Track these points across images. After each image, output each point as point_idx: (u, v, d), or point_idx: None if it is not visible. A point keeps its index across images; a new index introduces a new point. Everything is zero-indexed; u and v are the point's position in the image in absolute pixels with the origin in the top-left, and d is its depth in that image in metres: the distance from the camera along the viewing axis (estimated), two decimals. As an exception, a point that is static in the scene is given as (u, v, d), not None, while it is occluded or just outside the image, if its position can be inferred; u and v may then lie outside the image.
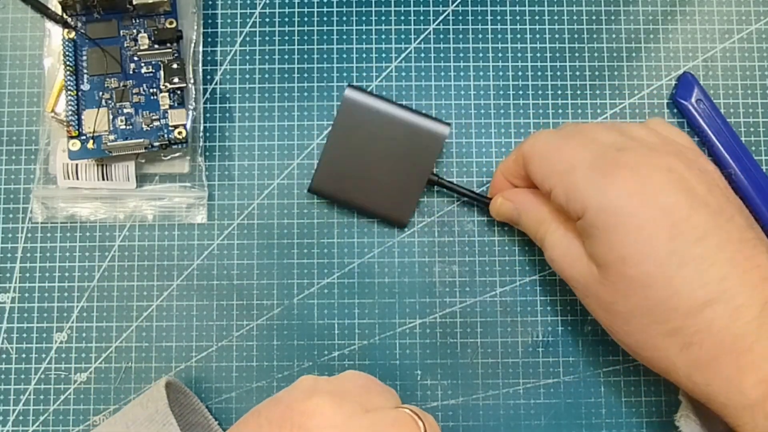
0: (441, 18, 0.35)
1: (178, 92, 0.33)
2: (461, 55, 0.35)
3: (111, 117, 0.32)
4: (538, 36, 0.35)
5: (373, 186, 0.32)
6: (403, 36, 0.35)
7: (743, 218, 0.26)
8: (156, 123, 0.32)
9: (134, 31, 0.33)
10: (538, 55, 0.35)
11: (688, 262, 0.24)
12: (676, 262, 0.24)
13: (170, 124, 0.32)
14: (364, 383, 0.26)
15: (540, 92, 0.35)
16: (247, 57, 0.35)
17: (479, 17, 0.35)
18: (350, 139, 0.32)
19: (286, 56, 0.35)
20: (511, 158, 0.31)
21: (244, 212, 0.34)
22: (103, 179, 0.33)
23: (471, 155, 0.34)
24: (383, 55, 0.35)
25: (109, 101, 0.32)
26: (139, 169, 0.33)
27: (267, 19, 0.35)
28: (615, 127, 0.28)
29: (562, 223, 0.29)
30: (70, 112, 0.32)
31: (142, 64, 0.33)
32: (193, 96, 0.33)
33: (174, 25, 0.33)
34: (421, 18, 0.35)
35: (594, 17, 0.35)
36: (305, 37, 0.35)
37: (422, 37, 0.35)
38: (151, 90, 0.32)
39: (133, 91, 0.32)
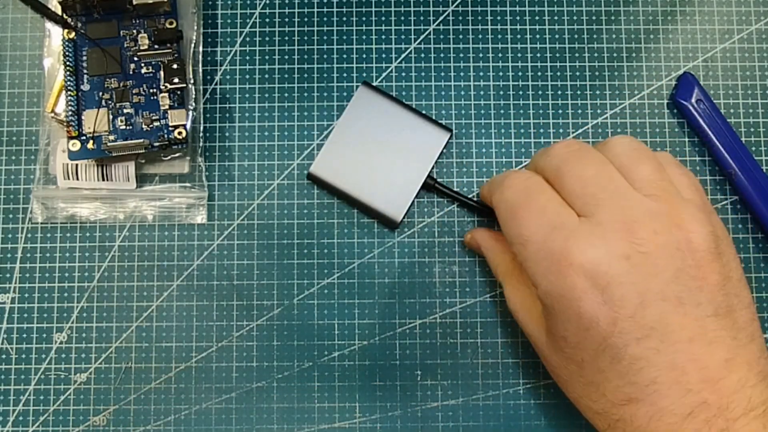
0: (441, 18, 0.35)
1: (178, 92, 0.33)
2: (461, 55, 0.35)
3: (111, 117, 0.32)
4: (538, 36, 0.35)
5: (370, 181, 0.33)
6: (403, 36, 0.35)
7: (716, 301, 0.24)
8: (156, 123, 0.32)
9: (134, 31, 0.33)
10: (538, 55, 0.35)
11: (621, 359, 0.24)
12: (609, 356, 0.24)
13: (170, 124, 0.32)
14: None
15: (540, 92, 0.35)
16: (247, 57, 0.35)
17: (479, 17, 0.35)
18: (356, 133, 0.33)
19: (286, 56, 0.35)
20: (486, 188, 0.31)
21: (244, 212, 0.34)
22: (103, 179, 0.33)
23: (471, 155, 0.34)
24: (383, 55, 0.35)
25: (109, 101, 0.32)
26: (139, 170, 0.33)
27: (267, 19, 0.35)
28: (591, 177, 0.25)
29: (520, 277, 0.29)
30: (70, 113, 0.32)
31: (142, 65, 0.33)
32: (193, 96, 0.33)
33: (174, 25, 0.33)
34: (421, 18, 0.35)
35: (594, 17, 0.35)
36: (305, 37, 0.35)
37: (422, 37, 0.35)
38: (151, 90, 0.32)
39: (133, 92, 0.32)
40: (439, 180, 0.34)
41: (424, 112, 0.34)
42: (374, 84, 0.34)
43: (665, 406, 0.23)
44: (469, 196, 0.34)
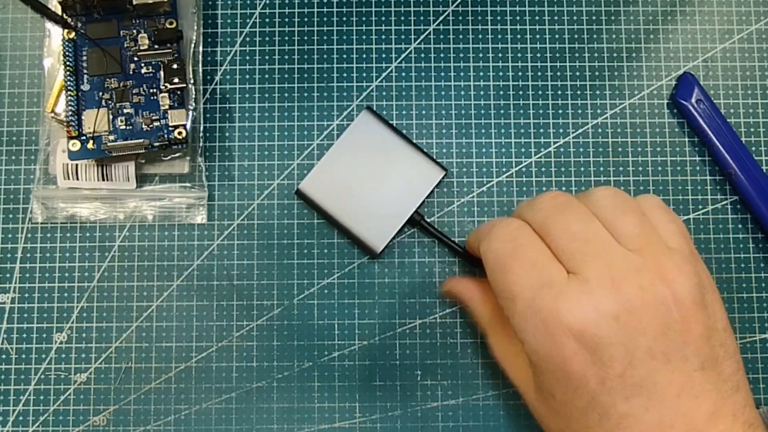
0: (441, 18, 0.35)
1: (178, 92, 0.33)
2: (461, 55, 0.35)
3: (111, 117, 0.32)
4: (538, 36, 0.35)
5: (356, 207, 0.33)
6: (403, 36, 0.35)
7: (703, 354, 0.24)
8: (156, 123, 0.32)
9: (134, 31, 0.33)
10: (538, 55, 0.35)
11: (610, 417, 0.24)
12: (598, 414, 0.24)
13: (170, 124, 0.32)
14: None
15: (540, 92, 0.35)
16: (247, 57, 0.35)
17: (479, 17, 0.35)
18: (351, 157, 0.33)
19: (286, 56, 0.35)
20: (473, 236, 0.30)
21: (244, 212, 0.34)
22: (103, 179, 0.33)
23: (471, 155, 0.34)
24: (383, 55, 0.35)
25: (109, 101, 0.32)
26: (139, 170, 0.33)
27: (267, 20, 0.35)
28: (576, 232, 0.25)
29: (506, 328, 0.29)
30: (70, 113, 0.32)
31: (142, 65, 0.33)
32: (193, 96, 0.33)
33: (174, 25, 0.33)
34: (421, 18, 0.35)
35: (594, 17, 0.35)
36: (305, 37, 0.35)
37: (422, 37, 0.35)
38: (151, 90, 0.32)
39: (133, 92, 0.32)
40: (427, 219, 0.34)
41: (423, 146, 0.33)
42: (374, 83, 0.34)
43: None
44: (452, 239, 0.33)
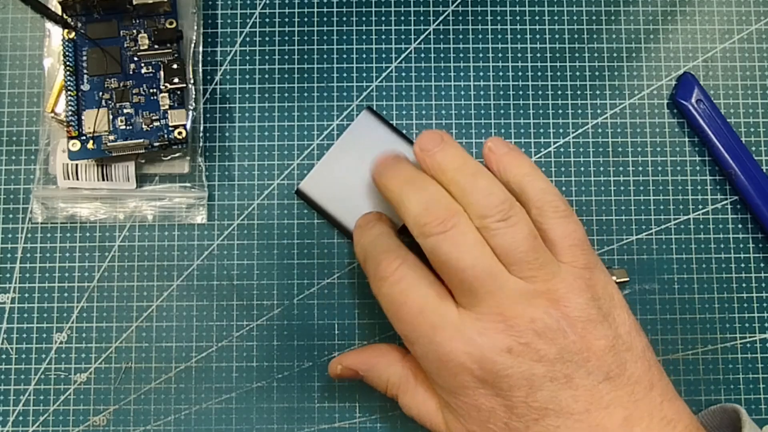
0: (441, 18, 0.35)
1: (178, 92, 0.33)
2: (461, 55, 0.35)
3: (111, 117, 0.32)
4: (538, 36, 0.35)
5: (356, 207, 0.32)
6: (403, 36, 0.35)
7: (606, 365, 0.24)
8: (156, 123, 0.32)
9: (134, 31, 0.33)
10: (538, 55, 0.35)
11: None
12: None
13: (170, 124, 0.32)
14: None
15: (540, 92, 0.35)
16: (247, 57, 0.35)
17: (479, 17, 0.35)
18: (351, 157, 0.33)
19: (286, 56, 0.35)
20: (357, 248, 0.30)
21: (244, 212, 0.34)
22: (103, 179, 0.33)
23: (471, 155, 0.34)
24: (383, 55, 0.35)
25: (109, 101, 0.32)
26: (139, 170, 0.33)
27: (267, 20, 0.35)
28: (468, 268, 0.25)
29: (415, 380, 0.28)
30: (70, 113, 0.32)
31: (142, 65, 0.33)
32: (193, 96, 0.33)
33: (174, 25, 0.33)
34: (421, 18, 0.35)
35: (594, 17, 0.35)
36: (305, 37, 0.35)
37: (422, 37, 0.35)
38: (151, 90, 0.32)
39: (133, 92, 0.32)
40: None
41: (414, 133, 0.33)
42: (374, 83, 0.34)
43: None
44: None
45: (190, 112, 0.33)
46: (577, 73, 0.35)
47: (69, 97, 0.32)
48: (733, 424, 0.29)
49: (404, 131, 0.34)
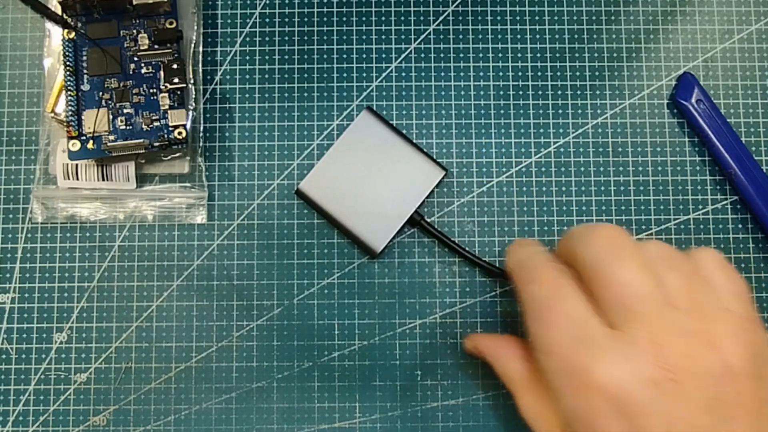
0: (441, 18, 0.35)
1: (178, 92, 0.33)
2: (461, 55, 0.35)
3: (111, 117, 0.32)
4: (538, 36, 0.35)
5: (356, 207, 0.32)
6: (403, 36, 0.35)
7: (752, 427, 0.22)
8: (156, 123, 0.32)
9: (134, 31, 0.33)
10: (538, 55, 0.35)
11: None
12: None
13: (170, 124, 0.32)
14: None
15: (540, 92, 0.35)
16: (247, 57, 0.35)
17: (479, 17, 0.35)
18: (351, 157, 0.33)
19: (286, 56, 0.35)
20: (512, 258, 0.28)
21: (244, 212, 0.34)
22: (103, 179, 0.33)
23: (471, 155, 0.34)
24: (383, 55, 0.35)
25: (109, 101, 0.32)
26: (139, 170, 0.33)
27: (267, 20, 0.35)
28: (627, 285, 0.23)
29: (538, 387, 0.27)
30: (70, 113, 0.32)
31: (142, 65, 0.33)
32: (193, 96, 0.33)
33: (174, 25, 0.33)
34: (421, 18, 0.35)
35: (594, 17, 0.35)
36: (305, 37, 0.35)
37: (422, 37, 0.35)
38: (151, 90, 0.32)
39: (133, 92, 0.32)
40: (427, 219, 0.34)
41: (423, 146, 0.33)
42: (374, 83, 0.34)
43: None
44: (452, 239, 0.33)
45: (190, 112, 0.33)
46: (577, 73, 0.35)
47: (69, 97, 0.32)
48: None
49: (404, 131, 0.34)
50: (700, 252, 0.25)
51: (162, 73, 0.32)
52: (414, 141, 0.34)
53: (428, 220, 0.33)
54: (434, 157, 0.34)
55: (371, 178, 0.33)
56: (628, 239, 0.25)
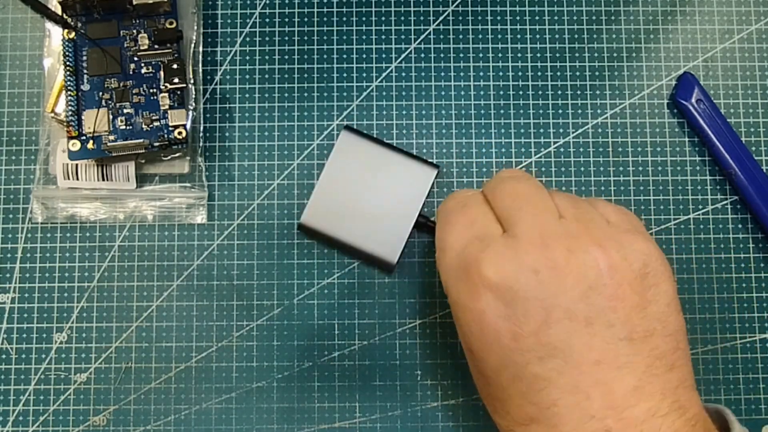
0: (441, 18, 0.35)
1: (178, 92, 0.33)
2: (461, 55, 0.35)
3: (111, 117, 0.32)
4: (538, 36, 0.35)
5: (362, 226, 0.32)
6: (403, 36, 0.35)
7: (631, 324, 0.23)
8: (156, 123, 0.32)
9: (134, 31, 0.33)
10: (538, 55, 0.35)
11: (522, 377, 0.23)
12: (511, 374, 0.23)
13: (170, 124, 0.32)
14: None
15: (540, 92, 0.35)
16: (247, 57, 0.35)
17: (479, 17, 0.35)
18: (343, 179, 0.32)
19: (286, 56, 0.35)
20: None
21: (244, 212, 0.34)
22: (103, 179, 0.33)
23: (471, 155, 0.34)
24: (383, 55, 0.35)
25: (109, 101, 0.32)
26: (139, 170, 0.33)
27: (267, 20, 0.35)
28: (521, 193, 0.26)
29: None
30: (70, 113, 0.32)
31: (142, 65, 0.33)
32: (193, 96, 0.33)
33: (174, 25, 0.33)
34: (421, 18, 0.35)
35: (594, 17, 0.35)
36: (305, 37, 0.35)
37: (422, 37, 0.35)
38: (151, 90, 0.32)
39: (133, 92, 0.32)
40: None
41: (409, 150, 0.33)
42: (374, 83, 0.34)
43: (566, 430, 0.22)
44: None
45: (190, 112, 0.33)
46: (577, 73, 0.35)
47: (69, 97, 0.32)
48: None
49: (404, 131, 0.34)
50: (590, 199, 0.27)
51: (162, 73, 0.32)
52: (404, 145, 0.34)
53: (432, 220, 0.33)
54: (431, 157, 0.34)
55: (368, 193, 0.32)
56: (529, 175, 0.27)
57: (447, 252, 0.26)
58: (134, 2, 0.32)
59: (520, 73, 0.35)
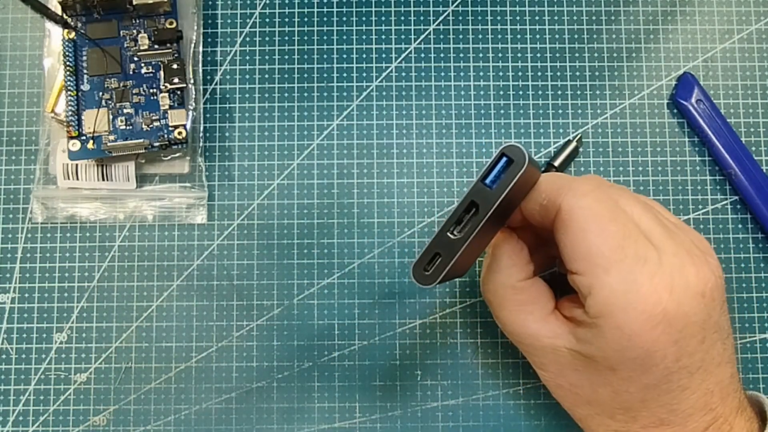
0: (441, 18, 0.35)
1: (178, 92, 0.33)
2: (461, 55, 0.35)
3: (111, 117, 0.32)
4: (538, 36, 0.35)
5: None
6: (403, 36, 0.35)
7: (726, 324, 0.25)
8: (156, 123, 0.32)
9: (134, 31, 0.33)
10: (538, 55, 0.35)
11: (671, 390, 0.24)
12: (658, 389, 0.24)
13: (170, 124, 0.32)
14: None
15: (540, 92, 0.35)
16: (247, 57, 0.35)
17: (479, 17, 0.35)
18: None
19: (286, 56, 0.35)
20: (539, 201, 0.26)
21: (244, 212, 0.34)
22: (103, 179, 0.33)
23: (471, 155, 0.34)
24: (383, 55, 0.35)
25: (109, 101, 0.32)
26: (139, 170, 0.33)
27: (267, 20, 0.35)
28: (652, 216, 0.25)
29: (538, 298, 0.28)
30: (70, 113, 0.32)
31: (142, 65, 0.33)
32: (193, 96, 0.33)
33: (174, 25, 0.33)
34: (421, 18, 0.35)
35: (594, 17, 0.35)
36: (305, 37, 0.35)
37: (422, 37, 0.35)
38: (151, 90, 0.32)
39: (133, 92, 0.32)
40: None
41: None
42: (374, 83, 0.34)
43: (692, 426, 0.24)
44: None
45: (190, 112, 0.33)
46: (577, 73, 0.35)
47: (69, 97, 0.32)
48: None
49: (404, 131, 0.34)
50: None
51: (162, 73, 0.32)
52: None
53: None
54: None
55: None
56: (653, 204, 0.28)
57: (611, 273, 0.24)
58: (134, 2, 0.32)
59: (520, 73, 0.35)
